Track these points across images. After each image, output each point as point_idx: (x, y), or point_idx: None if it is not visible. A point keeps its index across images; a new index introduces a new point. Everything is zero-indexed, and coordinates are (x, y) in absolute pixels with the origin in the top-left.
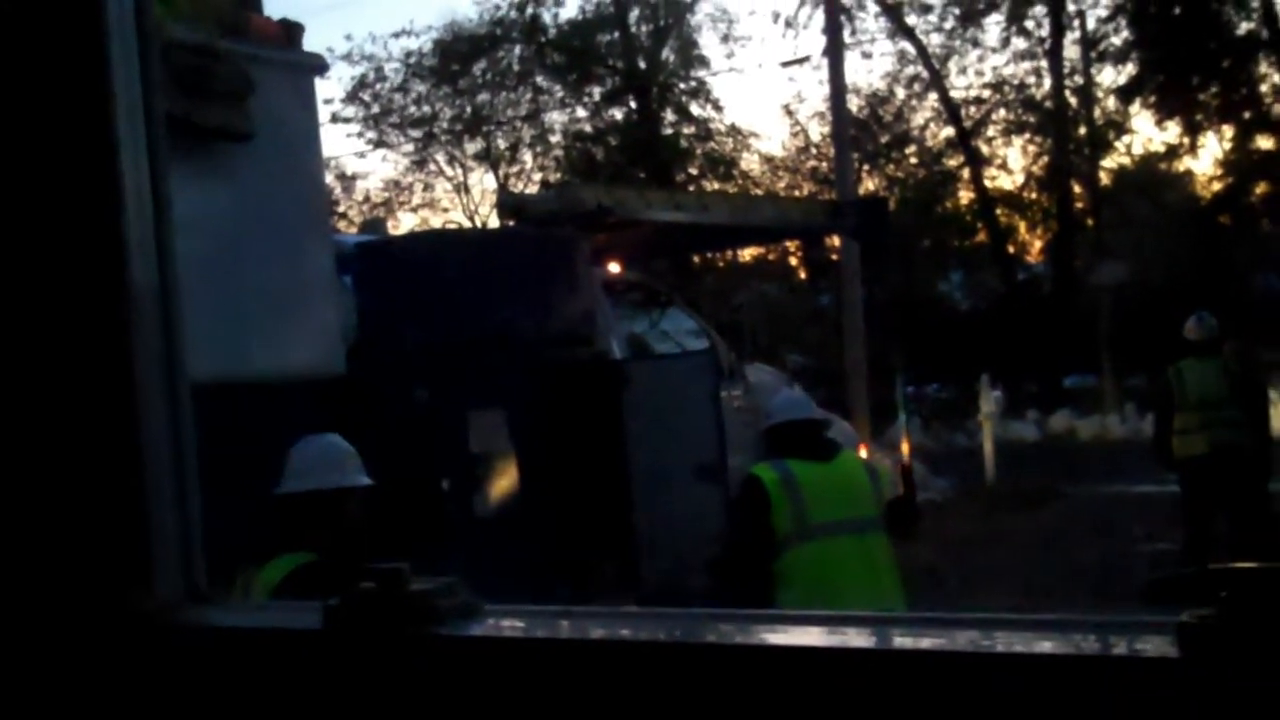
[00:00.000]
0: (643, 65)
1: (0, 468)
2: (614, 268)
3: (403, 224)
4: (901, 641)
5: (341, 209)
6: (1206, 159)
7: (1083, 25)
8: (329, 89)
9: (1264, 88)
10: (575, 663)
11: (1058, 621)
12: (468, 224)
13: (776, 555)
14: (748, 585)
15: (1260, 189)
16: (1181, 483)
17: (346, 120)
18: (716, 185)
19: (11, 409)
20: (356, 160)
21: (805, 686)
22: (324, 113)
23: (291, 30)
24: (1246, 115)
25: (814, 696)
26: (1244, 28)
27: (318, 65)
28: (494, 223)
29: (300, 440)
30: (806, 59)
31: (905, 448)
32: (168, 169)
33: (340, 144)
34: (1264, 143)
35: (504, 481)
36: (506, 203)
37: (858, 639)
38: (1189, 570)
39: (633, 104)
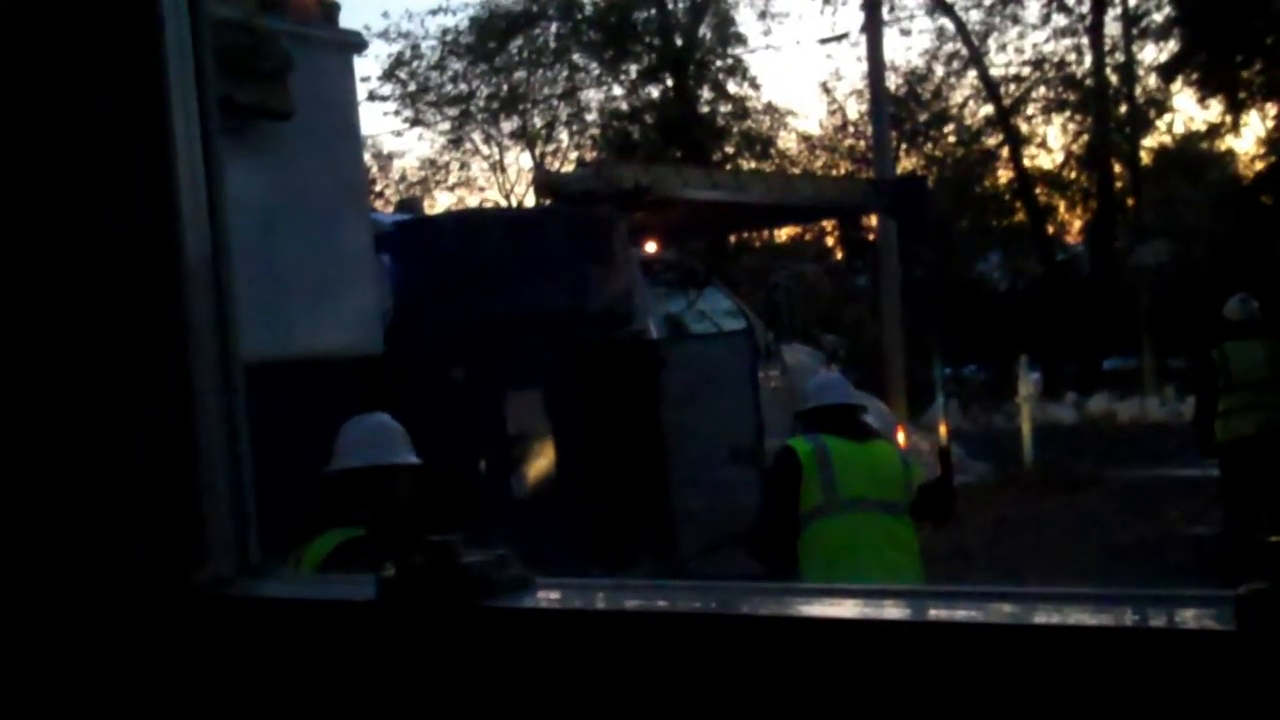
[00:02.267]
0: (679, 42)
1: (61, 447)
2: (651, 247)
3: (439, 203)
4: (942, 614)
5: (378, 188)
6: (1249, 138)
7: (1124, 1)
8: (365, 67)
9: None
10: (624, 633)
11: (1112, 596)
12: (504, 203)
13: (804, 526)
14: (782, 556)
15: None
16: (1224, 465)
17: (383, 98)
18: (753, 164)
19: (70, 389)
20: (393, 139)
21: (839, 657)
22: (361, 91)
23: (329, 8)
24: None
25: (848, 667)
26: None
27: (356, 42)
28: (530, 201)
29: (350, 419)
30: (845, 36)
31: (943, 429)
32: (220, 149)
33: (377, 123)
34: None
35: (541, 462)
36: (543, 181)
37: (893, 611)
38: (1244, 544)
39: (669, 82)
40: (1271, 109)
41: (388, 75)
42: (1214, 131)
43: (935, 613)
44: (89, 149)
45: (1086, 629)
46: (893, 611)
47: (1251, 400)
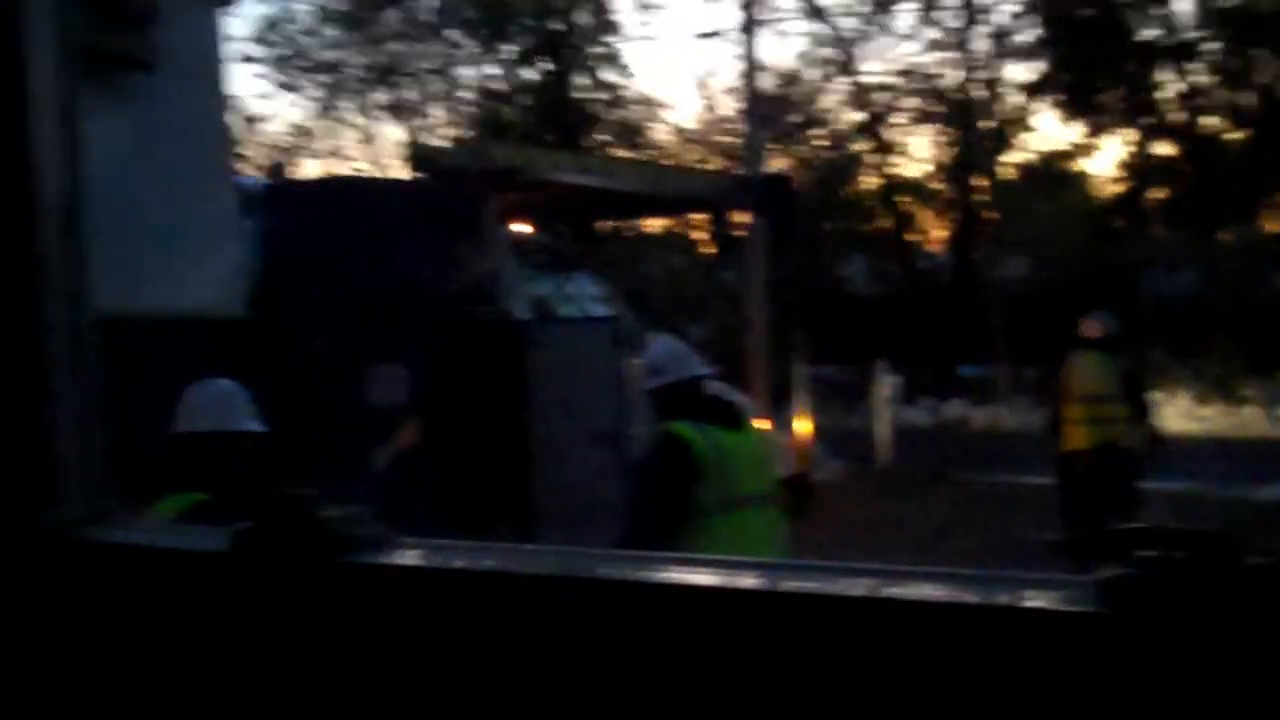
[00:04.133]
0: (557, 27)
1: None
2: (522, 228)
3: (307, 170)
4: (796, 585)
5: (245, 151)
6: (1106, 161)
7: (994, 20)
8: (237, 28)
9: (1165, 94)
10: (478, 592)
11: (975, 576)
12: (375, 174)
13: (691, 525)
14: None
15: (1156, 194)
16: (1061, 475)
17: (254, 60)
18: (626, 153)
19: None
20: (261, 103)
21: (691, 624)
22: (231, 51)
23: None
24: (1147, 120)
25: (700, 634)
26: (1147, 34)
27: None
28: (401, 174)
29: (196, 383)
30: (720, 33)
31: (803, 426)
32: (78, 94)
33: (246, 85)
34: (1162, 149)
35: (401, 434)
36: (418, 155)
37: (748, 580)
38: (1088, 532)
39: (545, 65)
40: (1130, 134)
41: (259, 38)
42: (1074, 153)
43: (788, 584)
44: None
45: (952, 605)
46: (747, 581)
47: (1095, 415)
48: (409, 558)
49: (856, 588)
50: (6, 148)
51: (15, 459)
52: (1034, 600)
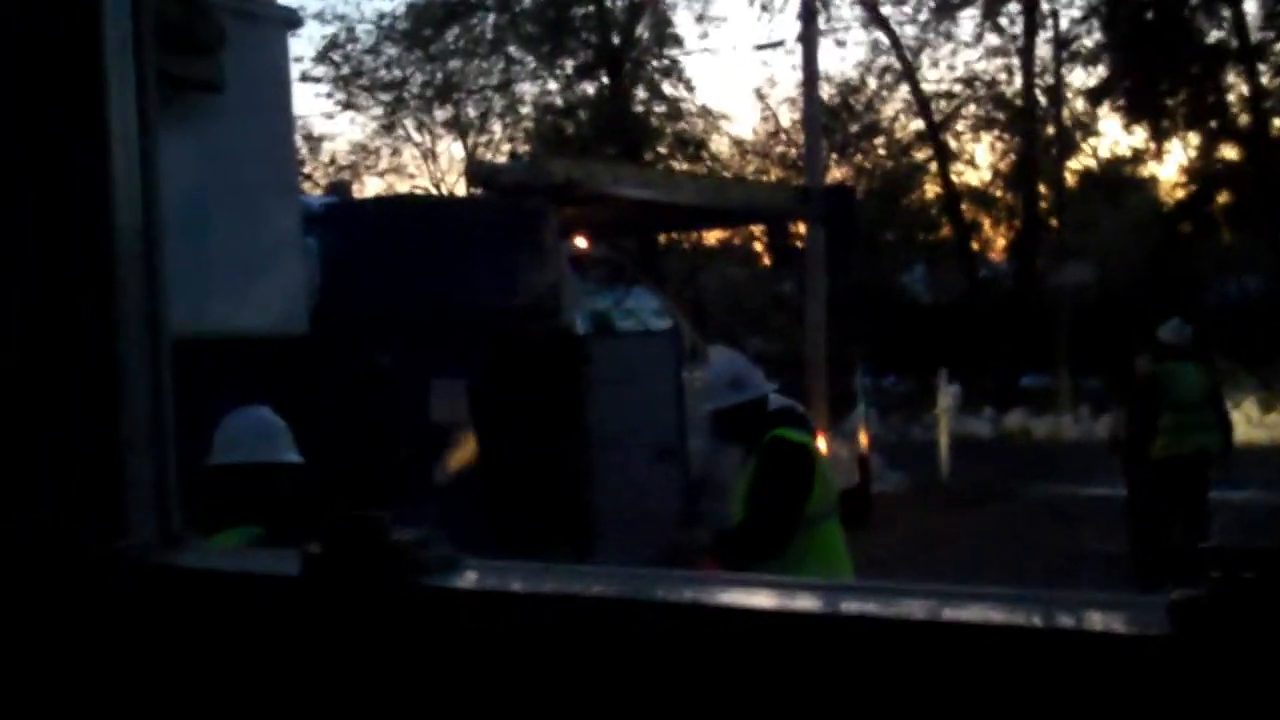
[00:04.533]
0: (616, 41)
1: None
2: (581, 243)
3: (368, 188)
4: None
5: (307, 170)
6: (1171, 166)
7: (1055, 25)
8: (299, 48)
9: (1231, 97)
10: (549, 615)
11: (1046, 599)
12: (434, 191)
13: (804, 529)
14: (776, 558)
15: (1222, 198)
16: (1151, 482)
17: (316, 80)
18: (685, 165)
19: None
20: (324, 122)
21: (754, 647)
22: (294, 71)
23: None
24: (1213, 124)
25: (762, 657)
26: (1214, 36)
27: (291, 19)
28: (461, 191)
29: (231, 412)
30: (781, 43)
31: (863, 438)
32: (156, 119)
33: (309, 104)
34: (1228, 152)
35: (462, 449)
36: (476, 171)
37: (806, 603)
38: (1160, 546)
39: (604, 79)
40: (1194, 138)
41: (321, 57)
42: (1138, 157)
43: (848, 607)
44: (21, 116)
45: (1017, 629)
46: (805, 603)
47: (1187, 421)
48: (479, 580)
49: (917, 610)
50: (85, 172)
51: (89, 483)
52: (1100, 623)
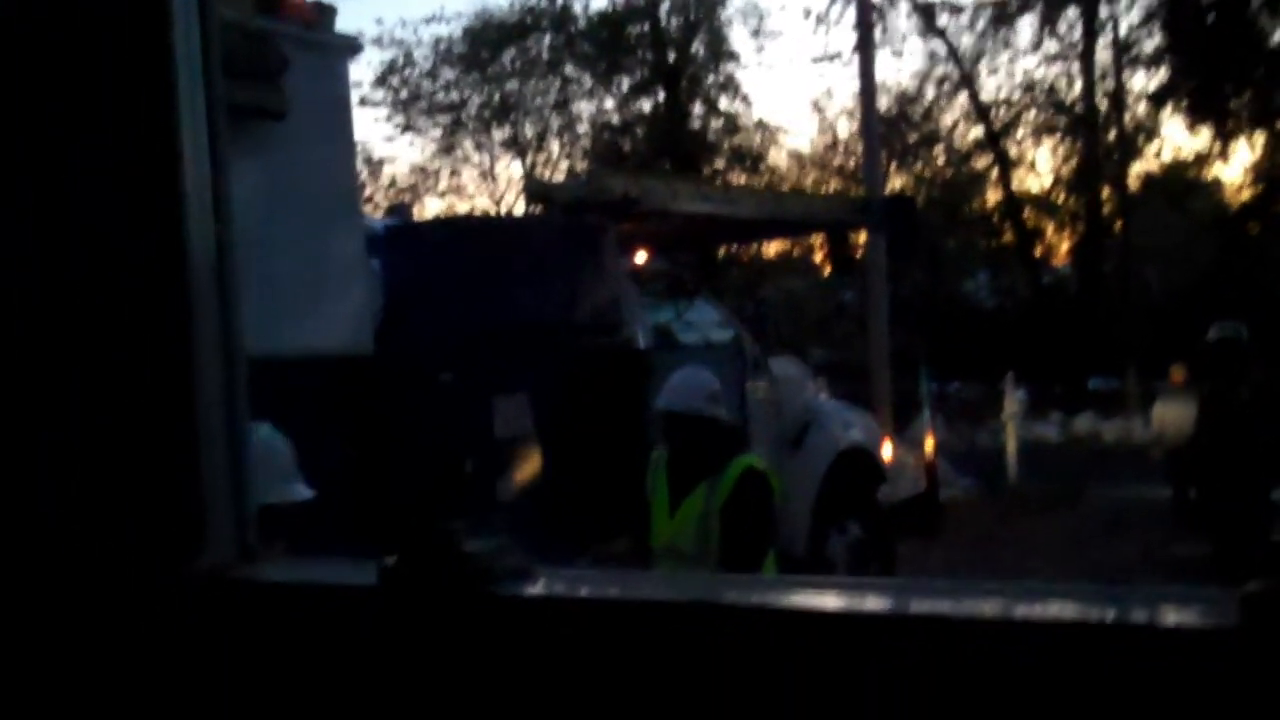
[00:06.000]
0: (672, 58)
1: (64, 434)
2: (640, 257)
3: (428, 209)
4: (930, 607)
5: (367, 193)
6: (1236, 167)
7: (1115, 29)
8: (358, 73)
9: None
10: (619, 620)
11: (1110, 593)
12: (493, 211)
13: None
14: None
15: None
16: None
17: (375, 104)
18: (743, 179)
19: (75, 380)
20: (383, 145)
21: (824, 648)
22: (353, 96)
23: (325, 11)
24: (1278, 124)
25: (832, 657)
26: (1278, 36)
27: (351, 46)
28: (520, 209)
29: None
30: (837, 55)
31: (929, 444)
32: (226, 147)
33: (368, 129)
34: None
35: (527, 467)
36: (534, 189)
37: (875, 603)
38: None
39: (661, 95)
40: (1259, 138)
41: (380, 81)
42: (1201, 160)
43: (919, 606)
44: (97, 145)
45: (1089, 625)
46: (875, 604)
47: None
48: (551, 588)
49: (987, 608)
50: (160, 197)
51: (168, 500)
52: (1172, 617)
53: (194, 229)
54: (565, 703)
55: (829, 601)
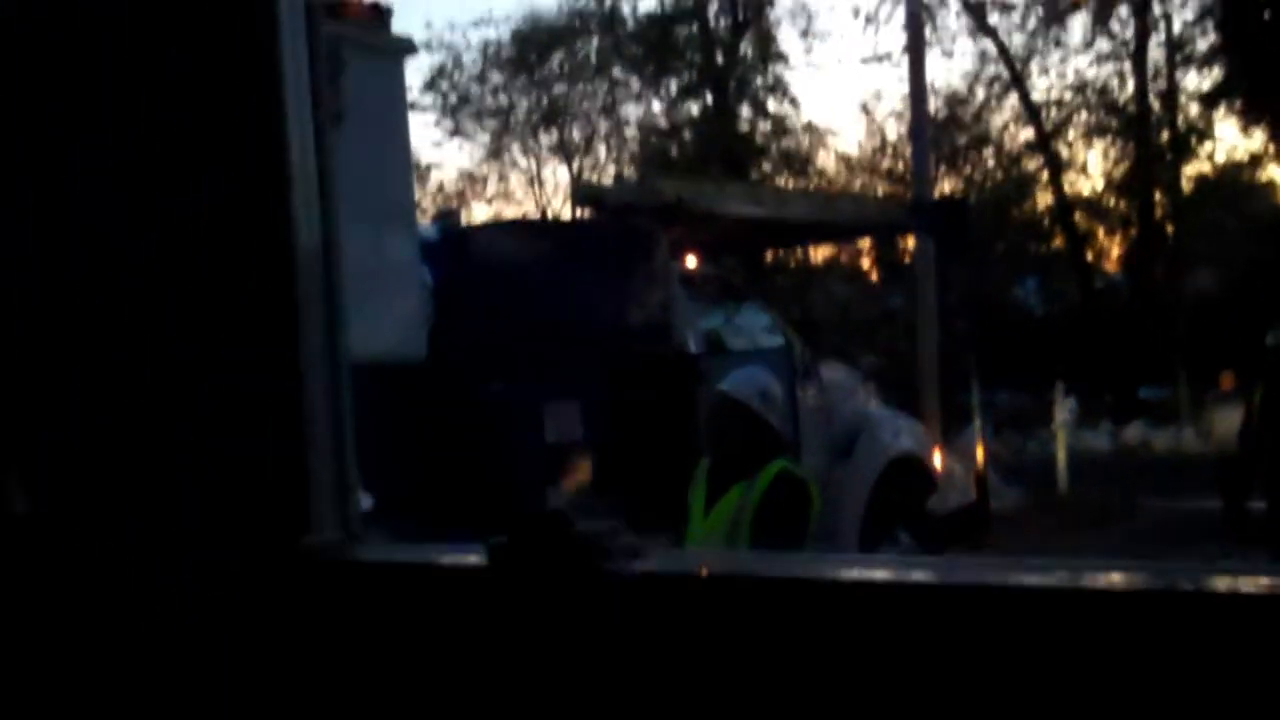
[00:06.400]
0: (720, 59)
1: (183, 426)
2: (691, 261)
3: (476, 215)
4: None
5: (418, 199)
6: None
7: (1168, 28)
8: (407, 77)
9: None
10: (731, 596)
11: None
12: (542, 215)
13: None
14: None
15: None
16: None
17: (424, 109)
18: (791, 183)
19: (192, 372)
20: (431, 150)
21: (921, 622)
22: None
23: (381, 11)
24: None
25: (929, 632)
26: None
27: (407, 47)
28: (568, 214)
29: None
30: (887, 56)
31: (979, 454)
32: (331, 152)
33: (416, 133)
34: None
35: (579, 473)
36: (583, 193)
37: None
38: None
39: (709, 98)
40: None
41: (429, 86)
42: (1256, 161)
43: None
44: (215, 152)
45: (1149, 593)
46: (966, 576)
47: None
48: (665, 565)
49: (1053, 579)
50: (269, 197)
51: (277, 488)
52: (1229, 585)
53: (301, 234)
54: (673, 675)
55: (918, 576)
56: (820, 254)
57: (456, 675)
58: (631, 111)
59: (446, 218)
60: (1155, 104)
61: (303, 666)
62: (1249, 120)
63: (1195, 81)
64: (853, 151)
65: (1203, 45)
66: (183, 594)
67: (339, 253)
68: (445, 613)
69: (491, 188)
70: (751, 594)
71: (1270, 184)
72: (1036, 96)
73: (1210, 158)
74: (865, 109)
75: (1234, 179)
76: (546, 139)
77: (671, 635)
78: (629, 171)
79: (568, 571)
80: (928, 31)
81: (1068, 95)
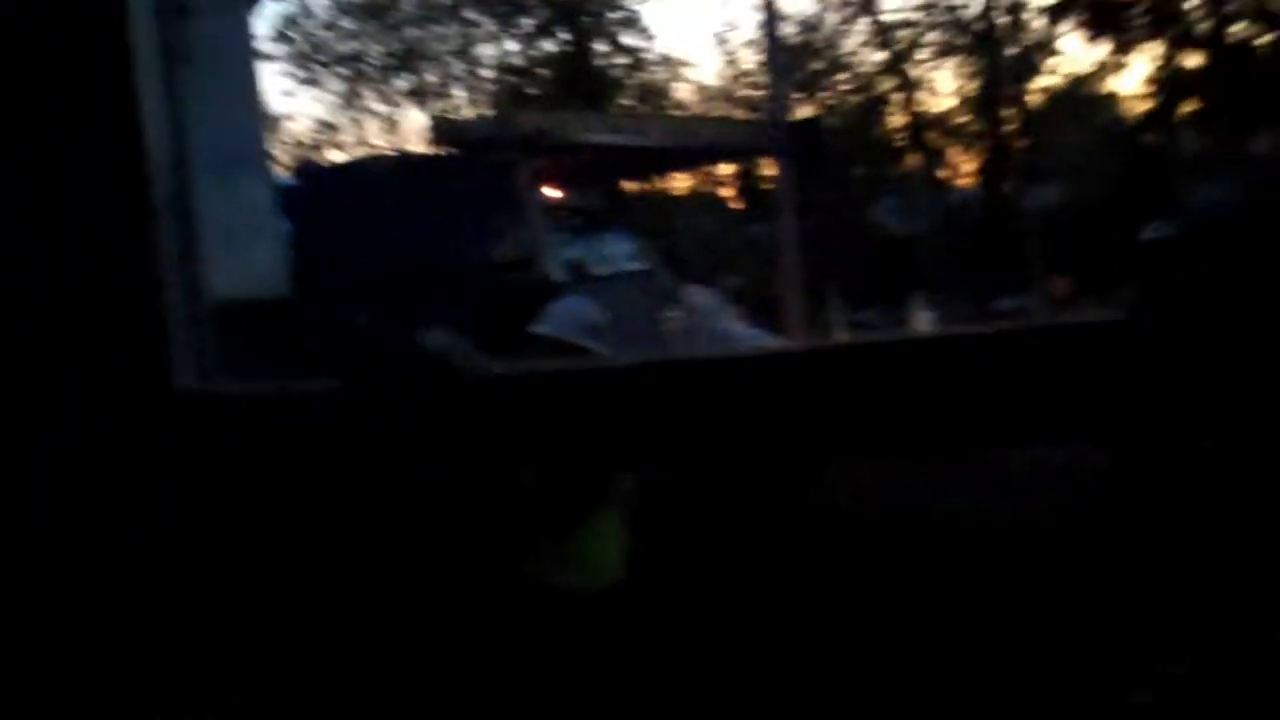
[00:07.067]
0: None
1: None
2: (553, 192)
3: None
4: None
5: (271, 150)
6: (1135, 79)
7: None
8: (257, 27)
9: (1188, 4)
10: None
11: None
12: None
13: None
14: None
15: (1187, 106)
16: None
17: (274, 59)
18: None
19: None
20: (285, 101)
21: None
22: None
23: None
24: (1173, 33)
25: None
26: None
27: None
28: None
29: None
30: None
31: None
32: (184, 90)
33: (268, 83)
34: (1190, 60)
35: None
36: (445, 130)
37: None
38: None
39: (565, 36)
40: (1157, 48)
41: (280, 36)
42: (1102, 71)
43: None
44: (63, 98)
45: None
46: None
47: None
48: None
49: None
50: (119, 142)
51: (133, 353)
52: None
53: (156, 179)
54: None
55: None
56: (683, 183)
57: (321, 497)
58: (487, 52)
59: (302, 168)
60: (1002, 20)
61: (171, 501)
62: (1093, 32)
63: None
64: (711, 82)
65: None
66: (62, 436)
67: (194, 199)
68: (303, 438)
69: (348, 135)
70: (602, 384)
71: (1114, 95)
72: (887, 18)
73: (1055, 72)
74: (720, 39)
75: (1080, 92)
76: (402, 84)
77: (511, 429)
78: (488, 111)
79: (420, 379)
80: None
81: (917, 15)
